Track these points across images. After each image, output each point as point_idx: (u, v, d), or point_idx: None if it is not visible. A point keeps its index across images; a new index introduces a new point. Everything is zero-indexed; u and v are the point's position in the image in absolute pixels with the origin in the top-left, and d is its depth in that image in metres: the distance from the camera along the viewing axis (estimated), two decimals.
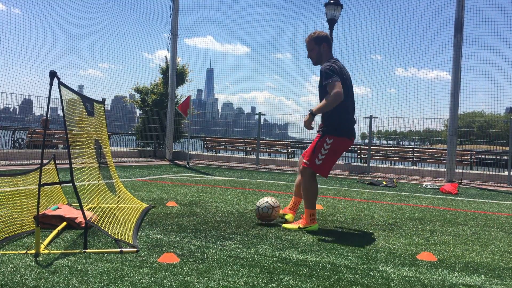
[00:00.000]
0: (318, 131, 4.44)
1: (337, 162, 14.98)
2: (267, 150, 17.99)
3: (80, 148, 4.10)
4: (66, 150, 3.47)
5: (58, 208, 4.07)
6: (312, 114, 4.22)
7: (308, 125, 4.26)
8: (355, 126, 4.48)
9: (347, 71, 4.42)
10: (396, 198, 7.28)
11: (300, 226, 4.29)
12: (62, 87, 3.44)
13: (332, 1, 16.13)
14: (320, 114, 4.38)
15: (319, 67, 4.41)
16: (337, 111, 4.22)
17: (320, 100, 4.33)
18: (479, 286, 2.83)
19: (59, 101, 3.41)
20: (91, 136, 4.39)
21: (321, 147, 4.26)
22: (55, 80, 3.31)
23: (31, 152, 11.37)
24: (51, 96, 3.27)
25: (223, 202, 5.91)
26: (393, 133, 15.77)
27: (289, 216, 4.58)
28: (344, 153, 17.87)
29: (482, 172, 11.94)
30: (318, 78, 4.39)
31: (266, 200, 4.52)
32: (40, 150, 6.40)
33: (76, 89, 4.02)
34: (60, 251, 3.16)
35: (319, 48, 4.41)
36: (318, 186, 4.40)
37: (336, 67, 4.24)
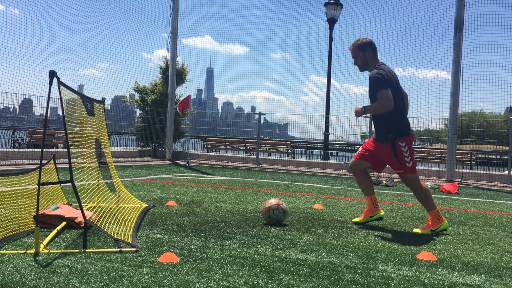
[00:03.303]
0: (379, 140, 4.53)
1: (337, 162, 14.87)
2: (267, 149, 17.99)
3: (80, 148, 4.10)
4: (66, 150, 3.46)
5: (57, 207, 4.07)
6: (364, 112, 4.45)
7: (359, 115, 4.49)
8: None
9: (393, 73, 4.53)
10: (396, 197, 7.28)
11: (432, 229, 4.37)
12: (61, 87, 3.44)
13: (332, 1, 16.12)
14: (377, 119, 4.55)
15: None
16: (395, 116, 4.37)
17: (370, 101, 4.53)
18: (479, 285, 2.83)
19: (59, 100, 3.41)
20: (91, 136, 4.39)
21: (401, 152, 4.39)
22: (55, 80, 3.30)
23: (31, 151, 11.36)
24: (50, 96, 3.27)
25: (223, 201, 5.91)
26: None
27: (383, 213, 4.71)
28: (344, 152, 17.92)
29: (482, 171, 11.94)
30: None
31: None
32: (40, 150, 6.40)
33: (76, 88, 4.02)
34: (60, 251, 3.16)
35: (364, 54, 4.53)
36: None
37: (384, 73, 4.37)
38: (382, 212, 4.70)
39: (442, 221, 4.41)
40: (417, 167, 4.60)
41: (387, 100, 4.26)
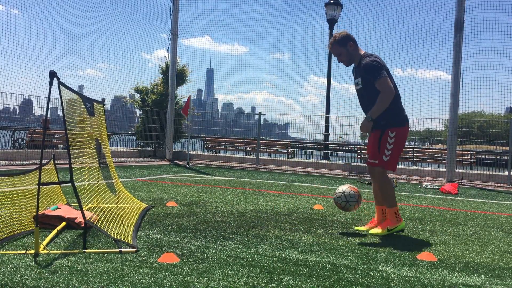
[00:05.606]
0: (372, 129, 4.25)
1: (337, 162, 14.80)
2: (267, 150, 17.99)
3: (81, 148, 4.10)
4: (66, 150, 3.46)
5: (57, 208, 4.07)
6: (372, 121, 4.11)
7: (368, 130, 4.18)
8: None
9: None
10: (396, 198, 7.27)
11: (389, 228, 4.14)
12: (61, 87, 3.44)
13: (332, 1, 16.12)
14: (372, 105, 4.17)
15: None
16: (393, 104, 4.12)
17: (365, 93, 4.23)
18: (479, 286, 2.83)
19: (59, 101, 3.41)
20: (91, 136, 4.39)
21: (386, 142, 4.15)
22: (55, 80, 3.30)
23: (31, 152, 11.36)
24: (51, 96, 3.27)
25: (223, 202, 5.91)
26: None
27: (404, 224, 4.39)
28: (344, 153, 17.91)
29: (482, 172, 11.93)
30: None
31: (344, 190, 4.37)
32: (40, 150, 6.41)
33: (76, 89, 4.02)
34: (59, 251, 3.16)
35: (347, 49, 4.27)
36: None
37: (379, 59, 4.14)
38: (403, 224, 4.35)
39: (400, 221, 4.20)
40: (397, 167, 4.39)
41: (390, 89, 4.02)
